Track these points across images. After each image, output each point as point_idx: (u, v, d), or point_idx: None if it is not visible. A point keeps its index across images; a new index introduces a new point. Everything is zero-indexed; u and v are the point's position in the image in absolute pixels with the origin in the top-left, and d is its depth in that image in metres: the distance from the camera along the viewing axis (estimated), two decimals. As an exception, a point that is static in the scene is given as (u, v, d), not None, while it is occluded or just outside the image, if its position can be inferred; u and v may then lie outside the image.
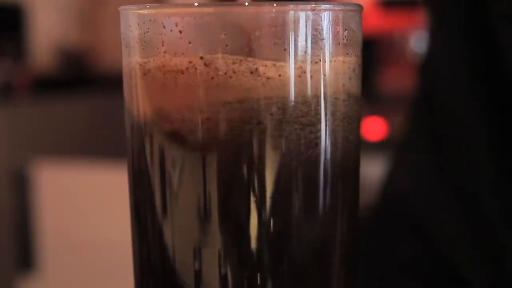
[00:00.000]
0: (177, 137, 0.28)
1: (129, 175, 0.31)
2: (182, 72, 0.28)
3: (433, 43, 0.61)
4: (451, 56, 0.57)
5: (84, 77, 2.42)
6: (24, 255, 1.60)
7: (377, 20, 2.54)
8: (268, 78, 0.27)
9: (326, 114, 0.29)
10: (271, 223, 0.28)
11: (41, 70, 2.43)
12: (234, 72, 0.27)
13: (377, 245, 0.64)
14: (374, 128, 2.00)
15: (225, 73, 0.27)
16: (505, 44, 0.51)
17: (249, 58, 0.27)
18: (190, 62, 0.27)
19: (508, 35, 0.51)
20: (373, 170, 1.02)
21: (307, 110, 0.28)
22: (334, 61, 0.29)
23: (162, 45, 0.28)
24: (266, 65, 0.27)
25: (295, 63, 0.28)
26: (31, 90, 2.17)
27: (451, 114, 0.57)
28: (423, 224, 0.59)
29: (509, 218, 0.53)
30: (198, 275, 0.29)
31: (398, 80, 2.33)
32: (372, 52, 2.38)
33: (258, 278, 0.29)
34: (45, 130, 1.89)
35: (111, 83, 1.96)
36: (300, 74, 0.28)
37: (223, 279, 0.29)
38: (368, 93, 2.16)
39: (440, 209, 0.57)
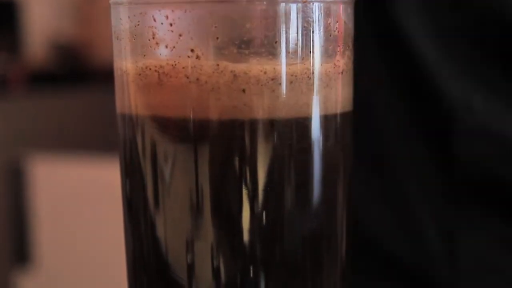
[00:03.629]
0: (168, 131, 0.28)
1: (121, 169, 0.31)
2: (173, 67, 0.28)
3: None
4: None
5: (79, 71, 2.42)
6: (20, 250, 1.60)
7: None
8: (259, 71, 0.27)
9: (319, 105, 0.29)
10: (264, 215, 0.28)
11: (36, 64, 2.42)
12: (226, 67, 0.27)
13: None
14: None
15: (217, 67, 0.27)
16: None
17: (240, 52, 0.27)
18: (180, 57, 0.27)
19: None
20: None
21: (299, 101, 0.28)
22: (326, 53, 0.29)
23: (153, 38, 0.28)
24: (257, 59, 0.27)
25: (286, 56, 0.28)
26: (26, 85, 2.16)
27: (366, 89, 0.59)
28: None
29: (424, 190, 0.54)
30: (190, 268, 0.29)
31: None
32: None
33: (251, 271, 0.29)
34: (40, 125, 1.89)
35: (106, 77, 1.95)
36: (291, 67, 0.28)
37: (215, 272, 0.29)
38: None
39: (358, 185, 0.58)
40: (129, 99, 0.29)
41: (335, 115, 0.30)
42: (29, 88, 2.14)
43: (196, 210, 0.28)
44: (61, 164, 1.54)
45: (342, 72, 0.30)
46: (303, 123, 0.28)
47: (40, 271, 1.54)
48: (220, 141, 0.28)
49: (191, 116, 0.28)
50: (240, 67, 0.27)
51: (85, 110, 2.01)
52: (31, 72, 2.26)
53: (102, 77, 2.16)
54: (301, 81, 0.28)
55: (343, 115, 0.30)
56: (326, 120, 0.29)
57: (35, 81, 2.18)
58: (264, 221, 0.28)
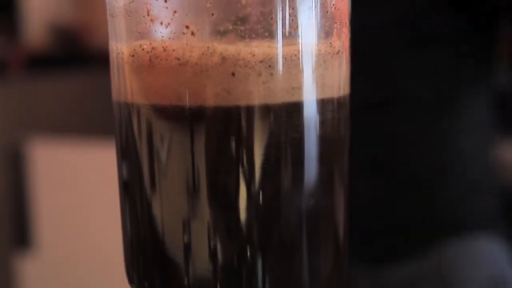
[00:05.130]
0: (161, 114, 0.28)
1: (117, 151, 0.31)
2: (164, 49, 0.27)
3: None
4: None
5: (78, 54, 2.41)
6: (20, 233, 1.60)
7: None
8: (248, 53, 0.27)
9: (314, 87, 0.28)
10: (260, 195, 0.28)
11: (35, 47, 2.41)
12: (215, 49, 0.27)
13: None
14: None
15: (207, 49, 0.27)
16: None
17: (236, 29, 0.27)
18: (175, 33, 0.27)
19: None
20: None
21: (292, 83, 0.28)
22: (322, 28, 0.28)
23: (148, 14, 0.27)
24: (252, 36, 0.27)
25: (282, 32, 0.27)
26: (25, 68, 2.16)
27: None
28: None
29: None
30: (187, 248, 0.29)
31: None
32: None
33: (248, 251, 0.28)
34: (40, 108, 1.88)
35: (105, 60, 1.93)
36: (286, 47, 0.27)
37: (212, 252, 0.28)
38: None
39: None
40: (124, 80, 0.29)
41: (331, 98, 0.29)
42: (28, 72, 2.14)
43: (192, 192, 0.28)
44: (61, 147, 1.54)
45: (338, 52, 0.29)
46: (297, 106, 0.28)
47: (40, 255, 1.55)
48: (213, 125, 0.27)
49: (183, 99, 0.27)
50: (229, 49, 0.27)
51: (84, 93, 2.00)
52: (30, 56, 2.25)
53: (101, 60, 2.15)
54: (295, 62, 0.28)
55: (340, 97, 0.30)
56: (322, 103, 0.29)
57: (34, 65, 2.18)
58: (260, 202, 0.28)
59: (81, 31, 2.61)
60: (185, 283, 0.29)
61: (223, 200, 0.28)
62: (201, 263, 0.29)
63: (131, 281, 0.31)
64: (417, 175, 0.74)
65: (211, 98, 0.27)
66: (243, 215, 0.28)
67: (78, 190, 1.49)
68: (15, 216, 1.63)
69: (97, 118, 1.72)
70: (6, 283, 1.64)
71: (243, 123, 0.27)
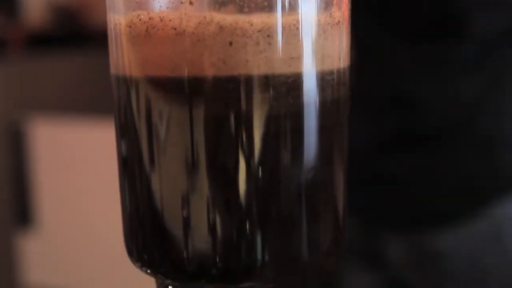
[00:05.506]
0: (161, 84, 0.28)
1: (115, 125, 0.31)
2: (161, 19, 0.27)
3: None
4: None
5: (78, 33, 2.40)
6: (22, 211, 1.60)
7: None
8: (246, 22, 0.27)
9: (313, 59, 0.28)
10: (259, 168, 0.28)
11: (35, 26, 2.40)
12: (212, 18, 0.26)
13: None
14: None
15: (204, 19, 0.26)
16: None
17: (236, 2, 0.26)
18: (173, 3, 0.27)
19: None
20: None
21: (292, 54, 0.27)
22: (322, 0, 0.28)
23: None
24: (252, 6, 0.27)
25: (282, 2, 0.27)
26: (25, 47, 2.15)
27: None
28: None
29: None
30: (186, 222, 0.29)
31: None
32: None
33: (247, 224, 0.28)
34: (40, 87, 1.88)
35: (105, 38, 1.93)
36: (287, 14, 0.27)
37: (211, 225, 0.28)
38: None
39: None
40: (123, 55, 0.29)
41: (331, 69, 0.29)
42: (28, 51, 2.13)
43: (191, 165, 0.28)
44: (61, 126, 1.54)
45: (338, 23, 0.29)
46: (297, 77, 0.28)
47: (41, 232, 1.55)
48: (210, 96, 0.27)
49: (180, 69, 0.27)
50: (227, 18, 0.26)
51: (84, 72, 2.00)
52: (29, 35, 2.24)
53: (101, 38, 2.14)
54: (294, 32, 0.27)
55: (340, 68, 0.29)
56: (322, 74, 0.28)
57: (34, 44, 2.17)
58: (259, 175, 0.28)
59: (80, 9, 2.59)
60: (184, 255, 0.29)
61: (222, 171, 0.28)
62: (201, 237, 0.29)
63: (130, 254, 0.31)
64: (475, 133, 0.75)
65: (207, 68, 0.27)
66: (242, 188, 0.28)
67: (78, 168, 1.49)
68: (16, 194, 1.64)
69: (97, 96, 1.72)
70: (8, 261, 1.65)
71: (241, 94, 0.27)
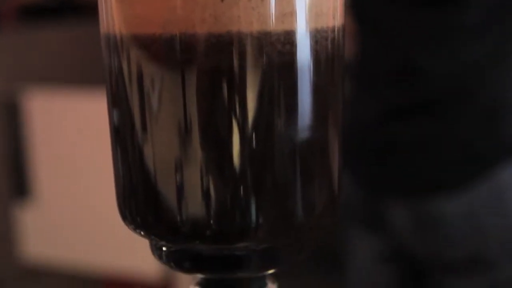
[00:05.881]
0: (151, 42, 0.27)
1: (107, 91, 0.30)
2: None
3: None
4: None
5: (72, 3, 2.37)
6: (19, 184, 1.60)
7: None
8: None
9: (308, 10, 0.27)
10: (253, 130, 0.28)
11: (28, -3, 2.37)
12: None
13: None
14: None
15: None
16: None
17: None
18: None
19: None
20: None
21: (287, 6, 0.27)
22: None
23: None
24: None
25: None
26: (18, 18, 2.13)
27: None
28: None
29: None
30: (180, 187, 0.28)
31: None
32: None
33: (241, 187, 0.28)
34: (35, 59, 1.86)
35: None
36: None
37: (205, 189, 0.28)
38: None
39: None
40: (113, 20, 0.28)
41: (326, 27, 0.28)
42: (22, 22, 2.11)
43: (183, 126, 0.27)
44: (56, 97, 1.53)
45: None
46: (290, 35, 0.27)
47: (39, 204, 1.55)
48: (202, 54, 0.26)
49: (170, 26, 0.26)
50: None
51: (78, 43, 1.98)
52: (23, 6, 2.22)
53: (95, 8, 2.11)
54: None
55: (334, 26, 0.29)
56: (315, 32, 0.28)
57: (27, 15, 2.15)
58: (253, 137, 0.28)
59: (74, -20, 2.56)
60: (178, 218, 0.28)
61: (216, 132, 0.28)
62: (195, 200, 0.28)
63: (124, 217, 0.31)
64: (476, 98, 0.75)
65: (199, 24, 0.26)
66: (236, 149, 0.28)
67: (74, 139, 1.49)
68: (13, 166, 1.64)
69: (93, 67, 1.71)
70: (6, 233, 1.66)
71: (233, 52, 0.26)
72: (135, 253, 1.38)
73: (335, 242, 1.04)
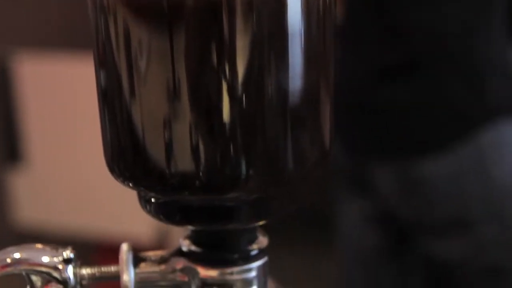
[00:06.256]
0: (142, 11, 0.26)
1: (94, 57, 0.29)
2: None
3: None
4: None
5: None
6: (11, 148, 1.60)
7: None
8: None
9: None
10: (243, 94, 0.27)
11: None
12: None
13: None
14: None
15: None
16: None
17: None
18: None
19: None
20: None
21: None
22: None
23: None
24: None
25: None
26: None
27: None
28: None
29: None
30: (169, 145, 0.28)
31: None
32: None
33: (231, 137, 0.28)
34: (24, 22, 1.84)
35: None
36: None
37: (195, 147, 0.28)
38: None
39: None
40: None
41: None
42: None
43: (173, 88, 0.27)
44: (47, 61, 1.52)
45: None
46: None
47: (31, 169, 1.55)
48: (192, 18, 0.26)
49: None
50: None
51: (72, 5, 1.96)
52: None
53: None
54: None
55: None
56: None
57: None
58: (244, 93, 0.27)
59: None
60: (167, 171, 0.28)
61: (205, 95, 0.27)
62: (184, 153, 0.28)
63: (112, 171, 0.31)
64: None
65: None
66: (226, 104, 0.27)
67: (66, 103, 1.48)
68: (5, 131, 1.63)
69: (83, 30, 1.69)
70: (-2, 198, 1.66)
71: (222, 10, 0.26)
72: (128, 217, 1.38)
73: (325, 207, 1.04)
